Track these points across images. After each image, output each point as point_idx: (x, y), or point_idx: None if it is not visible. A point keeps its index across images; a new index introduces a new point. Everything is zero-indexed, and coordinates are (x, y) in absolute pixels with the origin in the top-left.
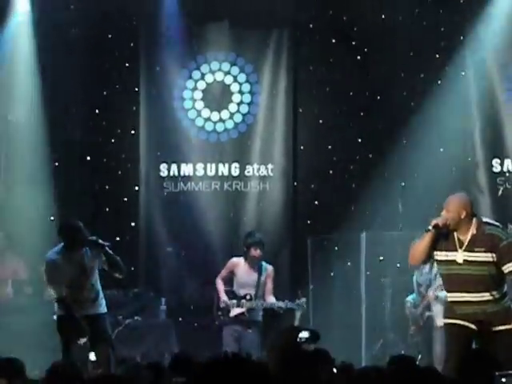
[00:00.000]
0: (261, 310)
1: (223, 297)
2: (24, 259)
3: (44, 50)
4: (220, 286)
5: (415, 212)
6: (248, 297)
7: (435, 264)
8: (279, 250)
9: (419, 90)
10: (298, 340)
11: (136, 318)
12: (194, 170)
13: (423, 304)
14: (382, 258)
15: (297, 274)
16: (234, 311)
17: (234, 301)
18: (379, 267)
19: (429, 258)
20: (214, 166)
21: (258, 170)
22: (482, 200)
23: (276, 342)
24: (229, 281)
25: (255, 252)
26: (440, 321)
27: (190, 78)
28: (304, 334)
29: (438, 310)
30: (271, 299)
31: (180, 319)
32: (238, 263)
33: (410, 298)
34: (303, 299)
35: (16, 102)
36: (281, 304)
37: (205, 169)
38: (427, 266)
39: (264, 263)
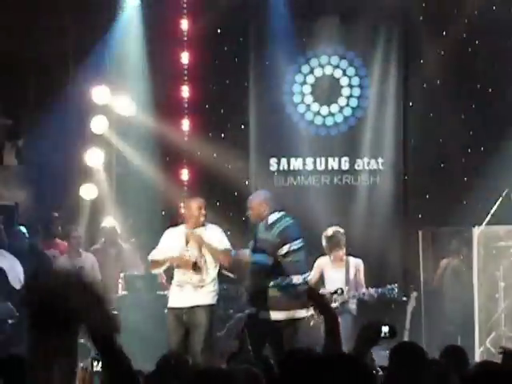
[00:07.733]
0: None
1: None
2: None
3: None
4: None
5: None
6: (339, 291)
7: None
8: (390, 244)
9: None
10: (382, 335)
11: None
12: (304, 164)
13: None
14: (494, 251)
15: (408, 267)
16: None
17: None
18: (493, 261)
19: None
20: (323, 160)
21: (368, 163)
22: None
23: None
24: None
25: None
26: None
27: (300, 72)
28: (385, 329)
29: None
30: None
31: None
32: (326, 262)
33: None
34: (414, 293)
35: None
36: (371, 291)
37: (314, 163)
38: None
39: (352, 258)
